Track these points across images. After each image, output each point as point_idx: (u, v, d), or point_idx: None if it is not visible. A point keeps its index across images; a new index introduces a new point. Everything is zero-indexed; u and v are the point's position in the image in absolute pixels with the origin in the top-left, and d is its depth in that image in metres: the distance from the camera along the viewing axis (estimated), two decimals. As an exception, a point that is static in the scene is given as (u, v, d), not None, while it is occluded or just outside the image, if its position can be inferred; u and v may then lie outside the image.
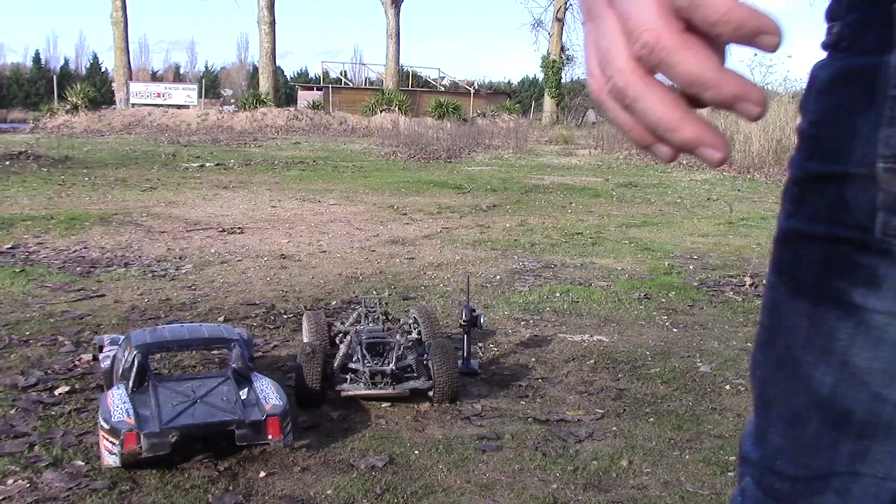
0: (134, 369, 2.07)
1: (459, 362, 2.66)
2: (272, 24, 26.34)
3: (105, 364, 2.32)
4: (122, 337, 2.40)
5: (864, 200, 0.57)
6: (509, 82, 53.14)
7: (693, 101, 0.41)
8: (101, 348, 2.47)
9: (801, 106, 0.64)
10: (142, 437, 1.86)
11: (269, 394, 2.07)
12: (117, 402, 1.97)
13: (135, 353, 2.10)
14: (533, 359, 2.92)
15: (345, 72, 37.16)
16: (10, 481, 1.86)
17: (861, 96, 0.57)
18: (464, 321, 2.66)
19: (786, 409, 0.70)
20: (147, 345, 2.15)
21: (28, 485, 1.84)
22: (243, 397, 2.07)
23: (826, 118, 0.59)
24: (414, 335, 2.69)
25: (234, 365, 2.16)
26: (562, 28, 30.84)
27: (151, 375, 2.10)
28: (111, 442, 1.87)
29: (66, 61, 55.12)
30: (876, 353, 0.62)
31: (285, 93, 37.88)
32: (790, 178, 0.64)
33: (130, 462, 1.89)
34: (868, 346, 0.62)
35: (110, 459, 1.89)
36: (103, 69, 50.63)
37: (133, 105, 25.38)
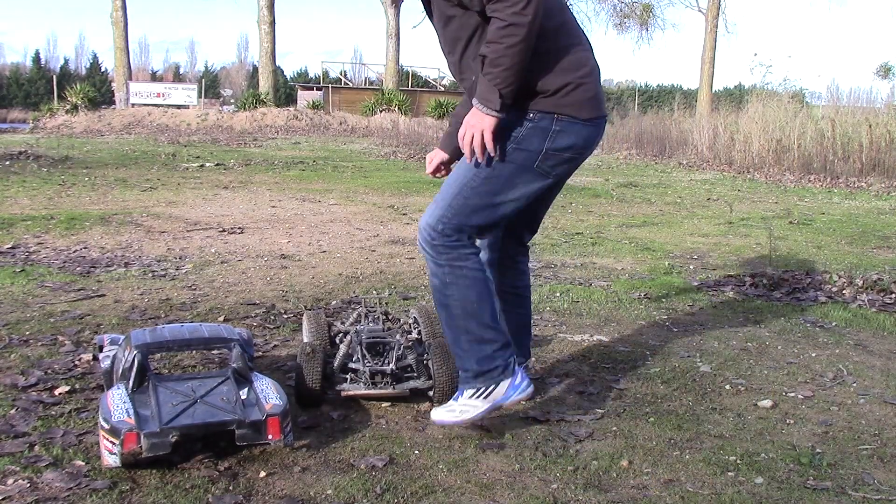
0: (134, 369, 2.07)
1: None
2: (272, 24, 26.33)
3: (105, 364, 2.32)
4: (122, 337, 2.40)
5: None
6: (509, 82, 52.95)
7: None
8: (101, 348, 2.47)
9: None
10: (142, 437, 1.86)
11: (270, 394, 2.07)
12: (117, 402, 1.97)
13: (135, 352, 2.10)
14: (533, 359, 2.92)
15: (345, 72, 37.17)
16: (10, 481, 1.86)
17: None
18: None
19: (485, 212, 2.12)
20: (147, 345, 2.15)
21: (28, 485, 1.84)
22: (243, 397, 2.07)
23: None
24: (414, 335, 2.69)
25: (234, 365, 2.16)
26: (562, 28, 30.75)
27: (151, 375, 2.10)
28: (111, 442, 1.87)
29: (66, 61, 55.14)
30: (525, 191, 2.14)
31: (285, 93, 37.89)
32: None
33: (130, 462, 1.89)
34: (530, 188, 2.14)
35: (110, 459, 1.88)
36: (103, 69, 50.63)
37: (133, 105, 25.38)
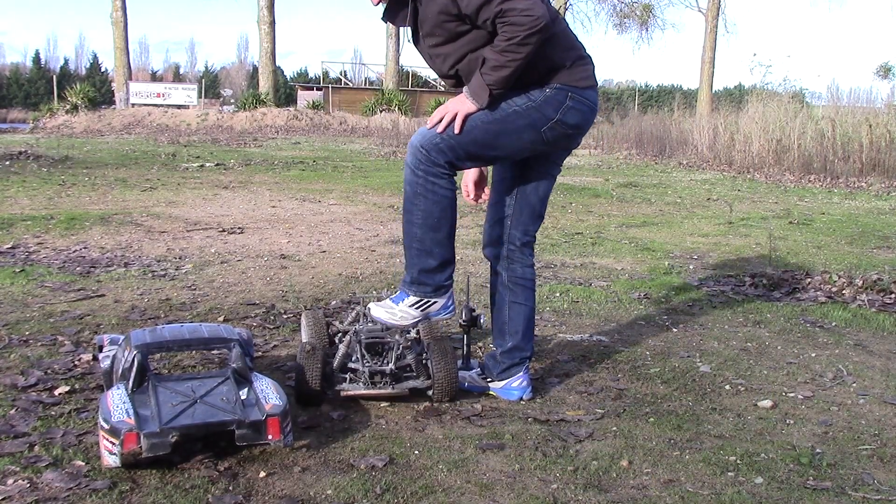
0: (134, 369, 2.07)
1: (459, 362, 2.65)
2: (272, 24, 26.34)
3: (105, 364, 2.32)
4: (122, 337, 2.40)
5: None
6: (509, 82, 52.95)
7: None
8: (100, 348, 2.47)
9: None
10: (142, 437, 1.86)
11: (269, 394, 2.07)
12: (117, 402, 1.97)
13: (135, 353, 2.10)
14: (533, 359, 2.92)
15: (345, 72, 37.15)
16: (10, 481, 1.86)
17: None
18: (463, 321, 2.66)
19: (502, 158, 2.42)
20: (147, 345, 2.15)
21: (28, 485, 1.84)
22: (243, 397, 2.07)
23: None
24: (413, 334, 2.69)
25: (234, 365, 2.16)
26: (562, 28, 30.73)
27: (151, 375, 2.10)
28: (111, 442, 1.87)
29: (66, 61, 55.14)
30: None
31: (285, 93, 37.88)
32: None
33: (130, 462, 1.89)
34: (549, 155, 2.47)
35: (110, 459, 1.89)
36: (103, 69, 50.61)
37: (133, 105, 25.38)
